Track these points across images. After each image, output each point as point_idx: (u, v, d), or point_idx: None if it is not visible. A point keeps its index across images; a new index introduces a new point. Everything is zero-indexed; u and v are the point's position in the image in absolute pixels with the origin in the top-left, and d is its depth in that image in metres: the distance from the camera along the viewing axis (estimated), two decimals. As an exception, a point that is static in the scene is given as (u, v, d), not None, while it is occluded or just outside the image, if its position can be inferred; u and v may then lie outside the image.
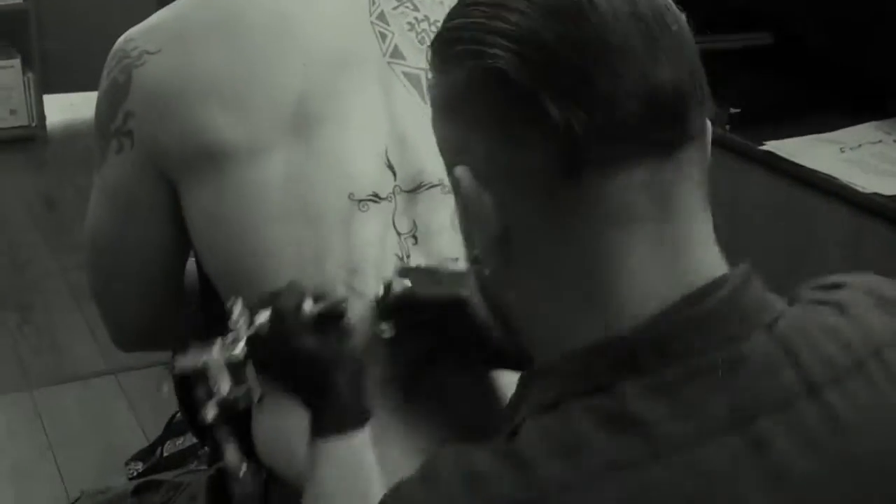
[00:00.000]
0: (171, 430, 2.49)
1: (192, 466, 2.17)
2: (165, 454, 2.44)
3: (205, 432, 1.43)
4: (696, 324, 0.76)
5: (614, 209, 0.76)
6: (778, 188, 1.99)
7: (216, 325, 1.24)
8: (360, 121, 1.16)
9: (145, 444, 2.52)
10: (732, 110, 2.06)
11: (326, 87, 1.15)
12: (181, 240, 1.22)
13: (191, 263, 1.30)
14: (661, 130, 0.75)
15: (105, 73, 1.20)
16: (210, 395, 1.02)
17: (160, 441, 2.48)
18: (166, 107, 1.15)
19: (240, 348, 1.03)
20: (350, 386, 1.05)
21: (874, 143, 2.05)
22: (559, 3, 0.75)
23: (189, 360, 1.03)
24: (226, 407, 1.01)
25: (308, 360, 1.04)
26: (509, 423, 0.78)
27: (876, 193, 1.84)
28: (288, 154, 1.13)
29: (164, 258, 1.25)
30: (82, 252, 1.30)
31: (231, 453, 0.99)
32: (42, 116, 4.35)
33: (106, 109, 1.20)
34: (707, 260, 0.79)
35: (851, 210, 1.87)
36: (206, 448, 1.81)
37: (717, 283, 0.77)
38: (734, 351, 0.75)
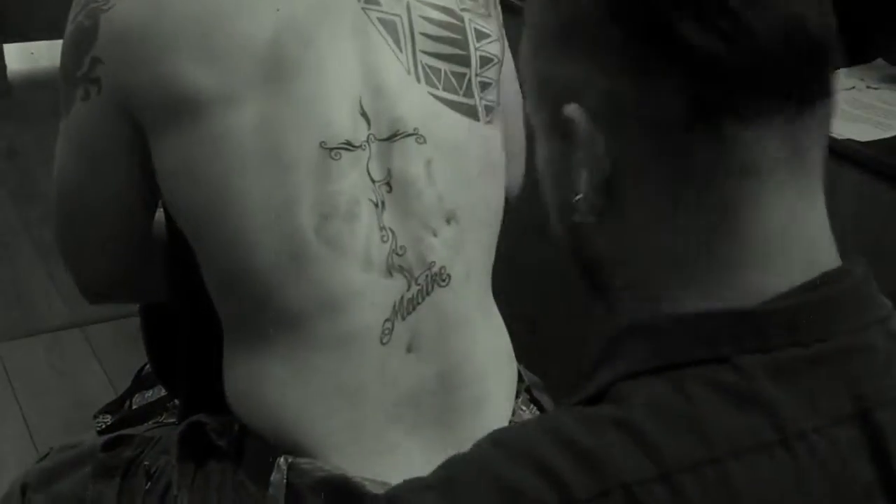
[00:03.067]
0: (139, 383, 2.47)
1: (162, 419, 2.16)
2: (134, 407, 2.43)
3: (175, 384, 1.42)
4: (827, 307, 0.70)
5: (750, 161, 0.69)
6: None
7: (184, 277, 1.23)
8: (334, 69, 1.14)
9: (113, 396, 2.50)
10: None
11: (299, 33, 1.13)
12: (150, 189, 1.20)
13: (159, 214, 1.28)
14: (804, 78, 0.69)
15: (71, 17, 1.17)
16: None
17: (129, 394, 2.46)
18: (135, 53, 1.12)
19: None
20: None
21: (848, 89, 2.05)
22: None
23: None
24: None
25: None
26: (592, 382, 0.72)
27: (850, 140, 1.84)
28: (260, 102, 1.11)
29: (132, 208, 1.23)
30: (45, 204, 1.28)
31: None
32: (2, 66, 4.28)
33: (71, 55, 1.16)
34: (829, 237, 0.74)
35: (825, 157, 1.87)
36: (176, 401, 1.80)
37: (845, 269, 0.73)
38: (858, 340, 0.71)
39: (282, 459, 1.15)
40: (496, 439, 0.69)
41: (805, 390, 0.68)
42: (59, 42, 1.21)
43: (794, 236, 0.71)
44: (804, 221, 0.72)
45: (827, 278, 0.71)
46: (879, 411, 0.69)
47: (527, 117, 0.82)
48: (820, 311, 0.70)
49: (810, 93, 0.70)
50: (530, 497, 0.64)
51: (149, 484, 1.27)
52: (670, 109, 0.69)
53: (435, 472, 0.69)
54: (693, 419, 0.66)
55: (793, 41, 0.68)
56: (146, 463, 1.28)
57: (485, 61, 1.22)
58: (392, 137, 1.15)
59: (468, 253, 1.20)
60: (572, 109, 0.72)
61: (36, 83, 4.26)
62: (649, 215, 0.72)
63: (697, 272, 0.71)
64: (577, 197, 0.74)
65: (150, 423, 1.76)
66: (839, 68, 0.72)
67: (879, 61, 2.15)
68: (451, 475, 0.68)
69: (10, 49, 4.33)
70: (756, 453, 0.66)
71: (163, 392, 2.36)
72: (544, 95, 0.77)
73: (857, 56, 2.15)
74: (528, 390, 1.33)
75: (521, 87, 0.83)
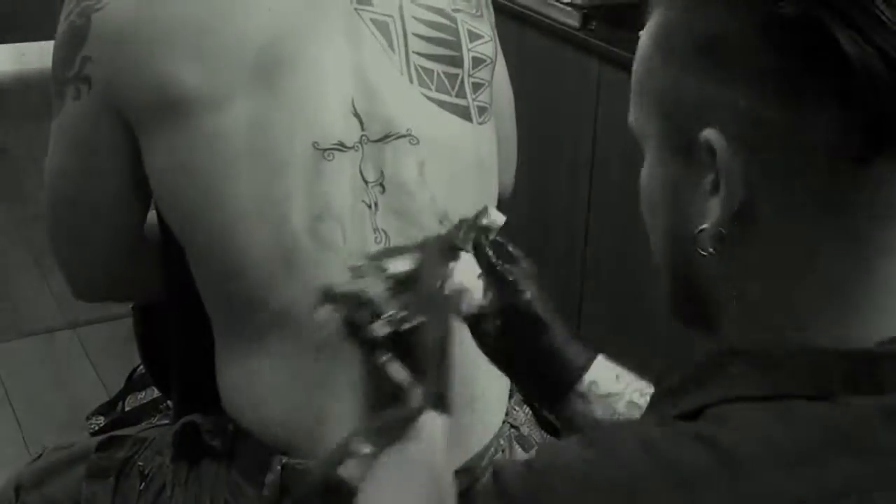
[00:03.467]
0: (132, 385, 2.47)
1: (155, 421, 2.15)
2: (127, 408, 2.43)
3: (168, 385, 1.42)
4: None
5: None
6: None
7: (177, 277, 1.23)
8: (326, 69, 1.14)
9: (106, 398, 2.50)
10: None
11: (292, 33, 1.13)
12: (141, 189, 1.20)
13: (151, 214, 1.28)
14: None
15: (63, 16, 1.17)
16: (375, 315, 0.99)
17: (121, 395, 2.46)
18: (126, 52, 1.12)
19: (384, 286, 1.01)
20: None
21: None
22: None
23: (350, 287, 1.01)
24: (396, 324, 0.99)
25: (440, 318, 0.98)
26: (687, 397, 0.69)
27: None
28: (252, 102, 1.11)
29: (124, 207, 1.23)
30: (36, 204, 1.28)
31: (398, 371, 0.98)
32: (-8, 67, 4.28)
33: (63, 54, 1.16)
34: None
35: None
36: (169, 402, 1.80)
37: None
38: None
39: (276, 459, 1.15)
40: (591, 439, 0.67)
41: None
42: (49, 43, 1.20)
43: None
44: None
45: None
46: None
47: (631, 128, 0.76)
48: None
49: None
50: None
51: (143, 484, 1.27)
52: (824, 141, 0.63)
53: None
54: (800, 455, 0.62)
55: None
56: (140, 463, 1.28)
57: (477, 62, 1.22)
58: (385, 138, 1.15)
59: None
60: (710, 134, 0.66)
61: (26, 84, 4.25)
62: (786, 250, 0.67)
63: (825, 313, 0.67)
64: (702, 227, 0.69)
65: (143, 424, 1.76)
66: None
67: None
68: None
69: (0, 49, 4.33)
70: (864, 494, 0.62)
71: (155, 394, 2.36)
72: (670, 113, 0.70)
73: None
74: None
75: (632, 94, 0.74)
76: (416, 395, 0.95)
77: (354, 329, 1.00)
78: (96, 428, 2.39)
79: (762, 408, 0.65)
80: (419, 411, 0.94)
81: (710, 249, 0.69)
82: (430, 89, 1.19)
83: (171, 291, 1.31)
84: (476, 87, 1.22)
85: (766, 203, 0.67)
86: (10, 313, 2.92)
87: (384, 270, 1.02)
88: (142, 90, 1.12)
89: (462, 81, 1.21)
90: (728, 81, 0.66)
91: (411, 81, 1.17)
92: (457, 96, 1.20)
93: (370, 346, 0.99)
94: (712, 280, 0.71)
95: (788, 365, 0.66)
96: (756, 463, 0.61)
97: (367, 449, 0.93)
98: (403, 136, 1.16)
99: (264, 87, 1.11)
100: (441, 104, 1.19)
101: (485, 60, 1.23)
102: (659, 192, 0.73)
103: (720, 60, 0.66)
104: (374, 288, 1.00)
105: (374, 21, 1.17)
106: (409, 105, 1.17)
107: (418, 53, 1.18)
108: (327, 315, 1.02)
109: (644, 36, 0.72)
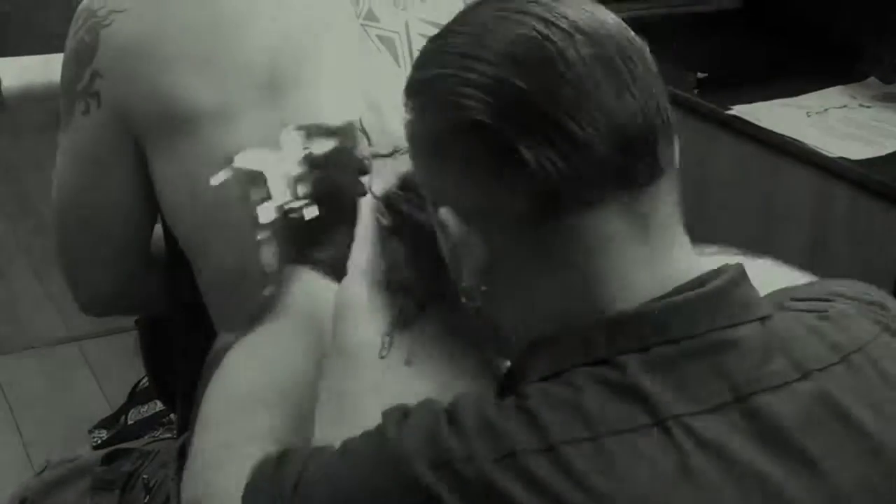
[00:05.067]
0: (135, 398, 2.47)
1: (157, 434, 2.16)
2: (130, 422, 2.43)
3: (173, 398, 1.43)
4: (695, 306, 0.80)
5: (594, 239, 0.81)
6: (745, 152, 1.99)
7: (183, 290, 1.23)
8: (334, 85, 1.14)
9: (109, 411, 2.50)
10: (699, 74, 2.07)
11: (299, 49, 1.13)
12: (148, 203, 1.20)
13: (158, 228, 1.28)
14: (633, 168, 0.80)
15: (72, 32, 1.18)
16: (265, 199, 1.03)
17: (124, 409, 2.47)
18: (134, 67, 1.13)
19: (297, 165, 1.04)
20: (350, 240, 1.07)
21: (840, 107, 2.06)
22: (528, 52, 0.79)
23: (249, 161, 1.04)
24: (282, 213, 1.03)
25: (348, 198, 1.07)
26: (514, 388, 0.81)
27: (843, 158, 1.85)
28: (259, 118, 1.11)
29: (130, 221, 1.24)
30: (40, 218, 1.28)
31: (267, 254, 1.04)
32: (-4, 80, 4.28)
33: (72, 69, 1.17)
34: (693, 265, 0.84)
35: (818, 174, 1.88)
36: (173, 415, 1.80)
37: (714, 273, 0.82)
38: (731, 334, 0.80)
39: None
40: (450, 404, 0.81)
41: (680, 381, 0.78)
42: (54, 57, 1.21)
43: (651, 272, 0.82)
44: (659, 263, 0.82)
45: (700, 281, 0.81)
46: (758, 396, 0.78)
47: None
48: (688, 309, 0.80)
49: (642, 179, 0.81)
50: (445, 446, 0.76)
51: (147, 497, 1.27)
52: (520, 211, 0.81)
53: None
54: (577, 405, 0.77)
55: (620, 142, 0.79)
56: (145, 476, 1.29)
57: (482, 78, 1.23)
58: (393, 153, 1.15)
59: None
60: (444, 212, 0.85)
61: (31, 98, 4.26)
62: (526, 286, 0.84)
63: (575, 315, 0.82)
64: (463, 284, 0.87)
65: (145, 437, 1.76)
66: (673, 143, 0.83)
67: (872, 80, 2.17)
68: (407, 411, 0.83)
69: (4, 63, 4.33)
70: (632, 433, 0.76)
71: (158, 407, 2.37)
72: (426, 193, 0.89)
73: (850, 75, 2.17)
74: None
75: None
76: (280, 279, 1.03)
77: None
78: (99, 441, 2.40)
79: (552, 383, 0.79)
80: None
81: (475, 300, 0.87)
82: (435, 105, 1.19)
83: (177, 304, 1.31)
84: (481, 102, 1.22)
85: (500, 261, 0.84)
86: (13, 326, 2.92)
87: (306, 149, 1.05)
88: (150, 105, 1.13)
89: (467, 97, 1.21)
90: (446, 170, 0.84)
91: (416, 96, 1.18)
92: (462, 112, 1.21)
93: (254, 222, 1.03)
94: (493, 319, 0.89)
95: (564, 344, 0.82)
96: (547, 417, 0.76)
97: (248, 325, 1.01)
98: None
99: (272, 102, 1.12)
100: (446, 119, 1.20)
101: (489, 76, 1.24)
102: (443, 253, 0.90)
103: (438, 153, 0.85)
104: (289, 161, 1.04)
105: (379, 37, 1.18)
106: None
107: (423, 69, 1.19)
108: (222, 180, 1.04)
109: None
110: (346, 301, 1.12)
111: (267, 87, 1.12)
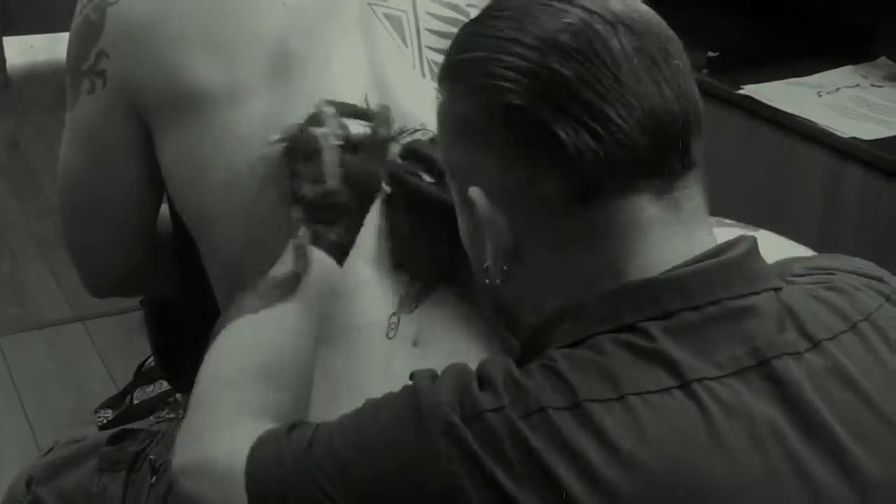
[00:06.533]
0: (140, 378, 2.47)
1: (163, 414, 2.16)
2: (135, 402, 2.43)
3: (179, 378, 1.42)
4: (713, 274, 0.82)
5: (626, 225, 0.83)
6: (756, 132, 1.99)
7: (189, 270, 1.23)
8: (340, 65, 1.13)
9: (114, 391, 2.50)
10: (710, 54, 2.06)
11: (306, 29, 1.13)
12: (155, 183, 1.20)
13: (164, 209, 1.28)
14: (668, 158, 0.82)
15: (77, 10, 1.17)
16: (314, 176, 1.04)
17: (130, 388, 2.46)
18: (141, 47, 1.12)
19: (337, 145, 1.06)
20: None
21: (852, 87, 2.05)
22: (571, 40, 0.81)
23: (300, 137, 1.06)
24: (323, 193, 1.04)
25: (371, 185, 1.08)
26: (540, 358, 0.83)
27: (854, 138, 1.85)
28: (265, 96, 1.11)
29: (137, 201, 1.23)
30: (46, 198, 1.28)
31: (303, 234, 1.05)
32: (2, 59, 4.27)
33: (78, 48, 1.16)
34: (713, 243, 0.86)
35: (830, 154, 1.87)
36: (178, 396, 1.80)
37: (732, 243, 0.85)
38: (750, 301, 0.82)
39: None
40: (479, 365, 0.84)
41: (701, 346, 0.80)
42: (59, 36, 1.20)
43: (677, 245, 0.84)
44: (685, 240, 0.84)
45: (717, 251, 0.84)
46: (777, 361, 0.81)
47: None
48: (708, 277, 0.82)
49: (675, 170, 0.83)
50: (477, 399, 0.79)
51: (154, 478, 1.27)
52: (554, 195, 0.82)
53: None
54: (603, 367, 0.79)
55: (656, 133, 0.81)
56: (152, 457, 1.29)
57: (491, 57, 1.22)
58: (399, 134, 1.15)
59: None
60: (473, 192, 0.86)
61: (36, 77, 4.25)
62: (546, 274, 0.86)
63: (591, 293, 0.84)
64: (486, 264, 0.89)
65: (151, 417, 1.76)
66: (700, 138, 0.85)
67: (883, 59, 2.16)
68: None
69: (10, 42, 4.32)
70: (658, 395, 0.78)
71: (164, 387, 2.37)
72: (452, 175, 0.90)
73: (861, 54, 2.15)
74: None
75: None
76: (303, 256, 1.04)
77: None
78: (104, 421, 2.40)
79: (577, 349, 0.82)
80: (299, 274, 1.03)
81: (497, 280, 0.88)
82: (443, 83, 1.18)
83: (184, 284, 1.31)
84: (490, 81, 1.22)
85: (527, 243, 0.86)
86: (18, 306, 2.92)
87: (344, 128, 1.06)
88: (156, 84, 1.12)
89: (475, 76, 1.21)
90: (479, 151, 0.85)
91: (424, 76, 1.17)
92: (470, 91, 1.20)
93: (294, 198, 1.04)
94: (511, 300, 0.91)
95: (588, 312, 0.83)
96: (573, 377, 0.79)
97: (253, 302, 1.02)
98: (417, 129, 1.16)
99: (278, 81, 1.11)
100: (454, 98, 1.19)
101: (498, 55, 1.23)
102: (463, 233, 0.93)
103: (472, 135, 0.85)
104: (334, 139, 1.05)
105: (387, 16, 1.17)
106: (423, 99, 1.17)
107: (431, 48, 1.18)
108: (273, 149, 1.06)
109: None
110: (350, 282, 1.12)
111: (275, 67, 1.11)
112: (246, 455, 0.86)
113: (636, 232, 0.83)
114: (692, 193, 0.85)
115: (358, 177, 1.05)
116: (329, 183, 1.04)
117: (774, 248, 1.05)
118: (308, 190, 1.04)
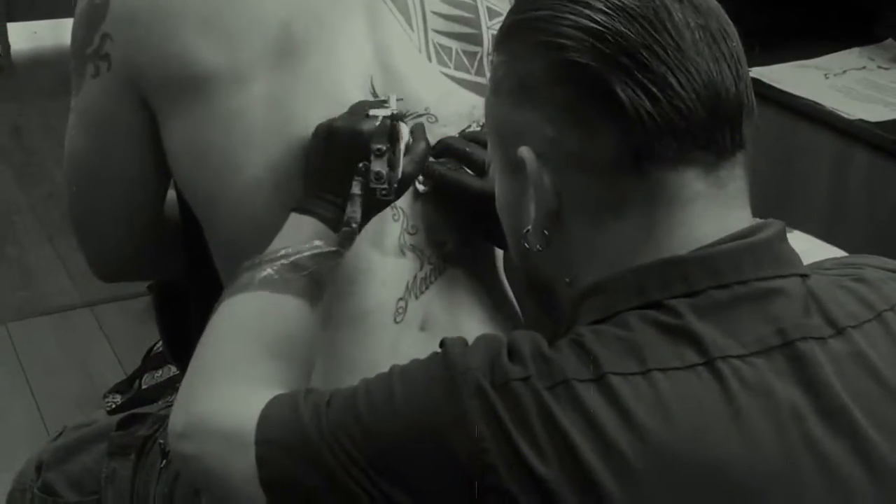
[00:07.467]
0: (149, 363, 2.48)
1: (172, 398, 2.16)
2: (144, 386, 2.44)
3: (187, 362, 1.43)
4: (743, 255, 0.83)
5: (675, 195, 0.84)
6: (763, 115, 1.97)
7: (196, 255, 1.23)
8: (346, 48, 1.13)
9: (123, 376, 2.51)
10: (716, 36, 2.04)
11: (310, 12, 1.12)
12: (160, 167, 1.20)
13: (171, 194, 1.28)
14: (722, 134, 0.83)
15: (82, -7, 1.16)
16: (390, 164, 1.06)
17: (138, 373, 2.47)
18: (145, 30, 1.12)
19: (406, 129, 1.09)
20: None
21: (859, 69, 2.05)
22: (640, 7, 0.82)
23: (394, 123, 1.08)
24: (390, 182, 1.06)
25: (403, 190, 1.10)
26: (566, 335, 0.84)
27: (861, 120, 1.84)
28: (269, 80, 1.10)
29: (142, 184, 1.23)
30: (51, 182, 1.28)
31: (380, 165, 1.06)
32: (6, 45, 4.27)
33: (82, 32, 1.16)
34: (747, 225, 0.87)
35: (837, 137, 1.87)
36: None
37: (761, 225, 0.86)
38: (777, 283, 0.83)
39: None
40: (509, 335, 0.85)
41: (727, 325, 0.81)
42: (63, 21, 1.20)
43: (715, 221, 0.84)
44: (724, 216, 0.85)
45: (748, 232, 0.85)
46: (802, 344, 0.82)
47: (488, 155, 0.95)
48: (736, 257, 0.83)
49: (726, 147, 0.84)
50: (506, 368, 0.80)
51: (163, 462, 1.27)
52: (607, 158, 0.83)
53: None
54: (629, 342, 0.80)
55: (714, 106, 0.82)
56: (161, 441, 1.29)
57: (497, 40, 1.22)
58: (404, 118, 1.14)
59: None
60: (523, 151, 0.86)
61: (40, 62, 4.25)
62: (584, 243, 0.87)
63: (626, 263, 0.85)
64: (527, 229, 0.89)
65: (160, 402, 1.77)
66: (752, 122, 0.86)
67: (890, 41, 2.15)
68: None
69: (14, 28, 4.31)
70: (682, 371, 0.79)
71: (172, 372, 2.37)
72: (500, 136, 0.91)
73: (868, 36, 2.15)
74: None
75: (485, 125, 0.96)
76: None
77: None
78: (113, 406, 2.41)
79: (604, 325, 0.83)
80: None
81: (537, 246, 0.89)
82: (448, 67, 1.18)
83: (191, 269, 1.31)
84: (496, 65, 1.21)
85: (571, 207, 0.86)
86: (27, 292, 2.93)
87: (397, 130, 1.08)
88: (161, 67, 1.12)
89: (481, 59, 1.20)
90: (534, 110, 0.85)
91: (430, 59, 1.17)
92: (476, 74, 1.20)
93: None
94: (548, 268, 0.91)
95: (615, 287, 0.84)
96: (600, 351, 0.80)
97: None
98: (422, 114, 1.16)
99: (283, 64, 1.11)
100: (460, 82, 1.19)
101: (505, 38, 1.23)
102: (503, 199, 0.93)
103: (529, 94, 0.85)
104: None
105: (392, -1, 1.16)
106: (428, 83, 1.17)
107: (437, 31, 1.18)
108: (378, 115, 1.08)
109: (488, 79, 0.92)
110: (359, 266, 1.12)
111: (278, 50, 1.11)
112: (257, 417, 0.86)
113: (679, 206, 0.84)
114: (736, 175, 0.85)
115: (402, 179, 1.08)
116: (397, 173, 1.06)
117: (812, 250, 1.06)
118: (382, 169, 1.05)
